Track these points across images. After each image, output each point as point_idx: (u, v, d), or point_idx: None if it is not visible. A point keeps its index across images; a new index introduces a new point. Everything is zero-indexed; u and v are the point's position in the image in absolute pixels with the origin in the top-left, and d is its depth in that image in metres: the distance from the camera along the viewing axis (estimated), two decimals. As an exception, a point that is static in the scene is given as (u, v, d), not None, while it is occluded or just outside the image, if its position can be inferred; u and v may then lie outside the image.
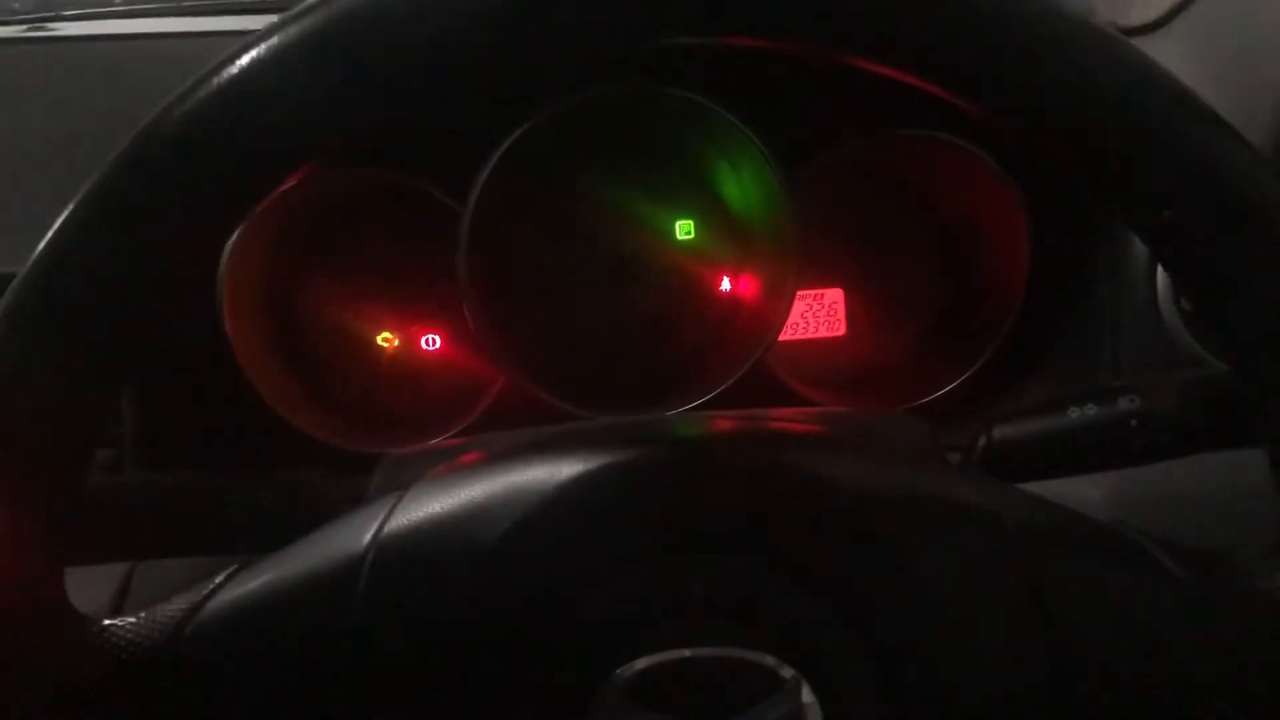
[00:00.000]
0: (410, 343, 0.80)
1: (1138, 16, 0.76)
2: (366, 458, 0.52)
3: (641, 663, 0.34)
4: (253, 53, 0.30)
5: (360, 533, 0.36)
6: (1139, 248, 0.69)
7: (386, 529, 0.36)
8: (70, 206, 0.30)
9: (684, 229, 0.81)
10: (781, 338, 0.81)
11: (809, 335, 0.83)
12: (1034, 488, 0.48)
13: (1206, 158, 0.31)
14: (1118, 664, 0.35)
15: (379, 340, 0.80)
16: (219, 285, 0.67)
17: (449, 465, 0.39)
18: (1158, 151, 0.31)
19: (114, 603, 0.55)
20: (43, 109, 0.73)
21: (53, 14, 0.86)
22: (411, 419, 0.80)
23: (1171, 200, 0.32)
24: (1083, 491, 0.61)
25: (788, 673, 0.34)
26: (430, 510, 0.36)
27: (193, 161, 0.30)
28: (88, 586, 0.54)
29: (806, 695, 0.34)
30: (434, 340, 0.80)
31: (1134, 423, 0.49)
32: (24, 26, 0.82)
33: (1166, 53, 0.72)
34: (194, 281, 0.33)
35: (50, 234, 0.30)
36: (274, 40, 0.30)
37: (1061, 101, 0.31)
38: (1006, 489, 0.39)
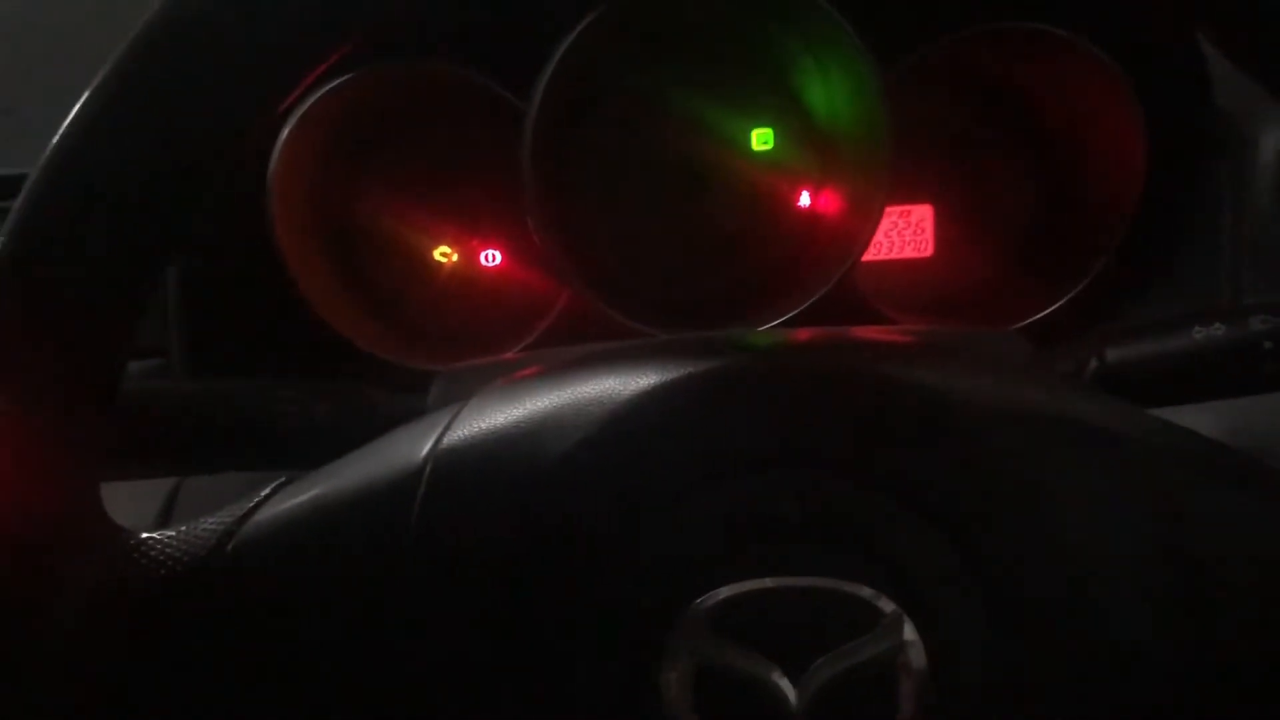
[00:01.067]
0: (470, 258, 0.77)
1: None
2: (423, 375, 0.50)
3: (724, 592, 0.30)
4: None
5: (417, 445, 0.33)
6: (1265, 158, 0.63)
7: (445, 441, 0.33)
8: (99, 76, 0.29)
9: (761, 138, 0.76)
10: (864, 258, 0.77)
11: (893, 255, 0.78)
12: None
13: None
14: (1265, 611, 0.31)
15: (436, 255, 0.76)
16: (268, 191, 0.64)
17: (512, 377, 0.36)
18: None
19: (158, 520, 0.53)
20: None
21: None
22: (470, 337, 0.77)
23: None
24: (1194, 421, 0.57)
25: (888, 606, 0.30)
26: (493, 421, 0.33)
27: (221, 31, 0.28)
28: (131, 503, 0.53)
29: (909, 632, 0.30)
30: (494, 256, 0.77)
31: (1268, 345, 0.44)
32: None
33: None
34: (237, 170, 0.31)
35: (80, 103, 0.29)
36: None
37: None
38: (1138, 412, 0.35)
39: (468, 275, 0.77)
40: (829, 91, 0.70)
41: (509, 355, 0.67)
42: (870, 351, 0.36)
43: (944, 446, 0.31)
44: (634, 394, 0.32)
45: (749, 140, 0.76)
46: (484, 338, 0.76)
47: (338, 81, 0.63)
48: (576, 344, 0.50)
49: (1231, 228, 0.66)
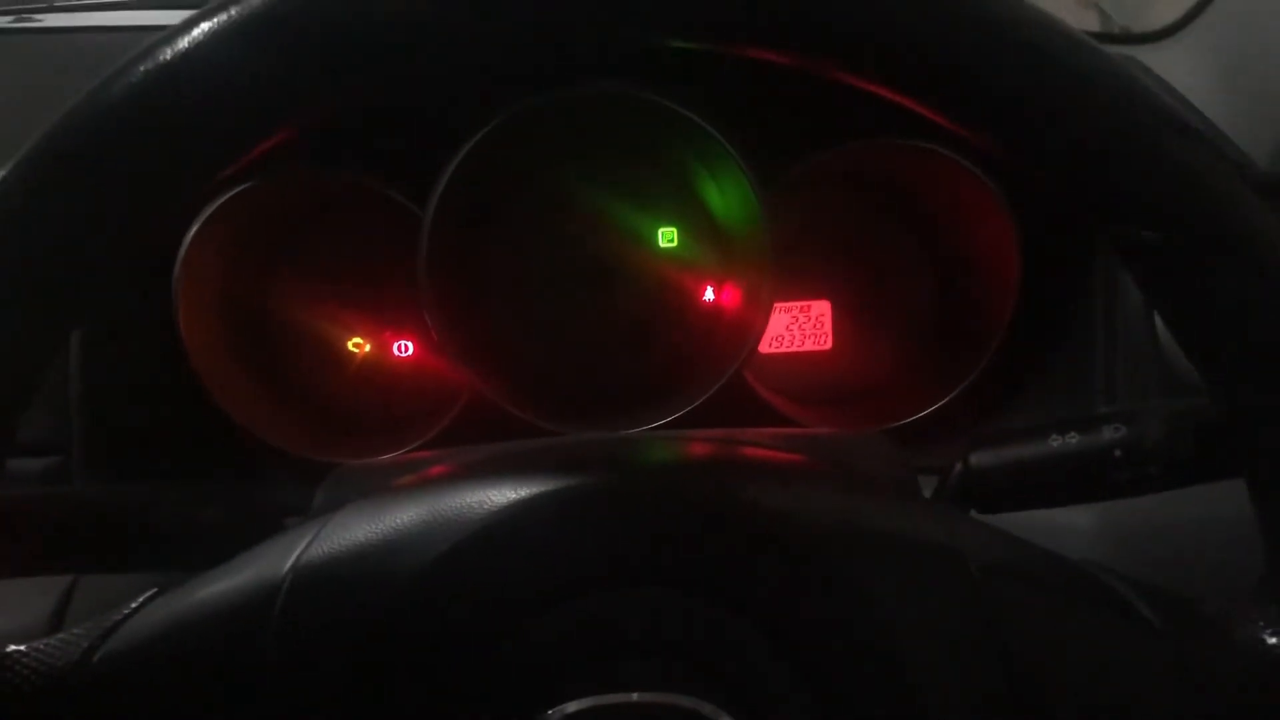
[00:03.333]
0: (382, 349, 0.78)
1: (1153, 21, 0.74)
2: (329, 466, 0.50)
3: (572, 706, 0.31)
4: (201, 26, 0.29)
5: (281, 558, 0.34)
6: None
7: (307, 555, 0.33)
8: (11, 162, 0.29)
9: (666, 236, 0.78)
10: (766, 350, 0.79)
11: (795, 348, 0.81)
12: (1020, 517, 0.46)
13: (1189, 176, 0.29)
14: (1083, 713, 0.33)
15: (349, 346, 0.77)
16: (174, 286, 0.64)
17: (384, 486, 0.37)
18: (1139, 167, 0.29)
19: (53, 616, 0.52)
20: (28, 100, 0.71)
21: (40, 5, 0.84)
22: (378, 427, 0.78)
23: (1151, 218, 0.30)
24: (1069, 518, 0.59)
25: None
26: (353, 536, 0.34)
27: (135, 126, 0.29)
28: (28, 601, 0.53)
29: None
30: (406, 347, 0.78)
31: (1118, 453, 0.45)
32: (10, 18, 0.81)
33: (1178, 59, 0.70)
34: (142, 264, 0.31)
35: None
36: (222, 15, 0.29)
37: (1043, 113, 0.29)
38: (973, 525, 0.36)
39: (380, 366, 0.78)
40: (722, 194, 0.73)
41: (403, 455, 0.68)
42: (723, 469, 0.38)
43: (781, 565, 0.32)
44: (489, 510, 0.33)
45: (655, 237, 0.78)
46: (391, 429, 0.76)
47: (241, 187, 0.65)
48: (481, 438, 0.50)
49: (1105, 328, 0.69)
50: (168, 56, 0.29)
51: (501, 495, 0.33)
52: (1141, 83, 0.29)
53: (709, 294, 0.79)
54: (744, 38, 0.30)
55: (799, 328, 0.81)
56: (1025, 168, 0.31)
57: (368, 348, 0.78)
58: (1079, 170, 0.30)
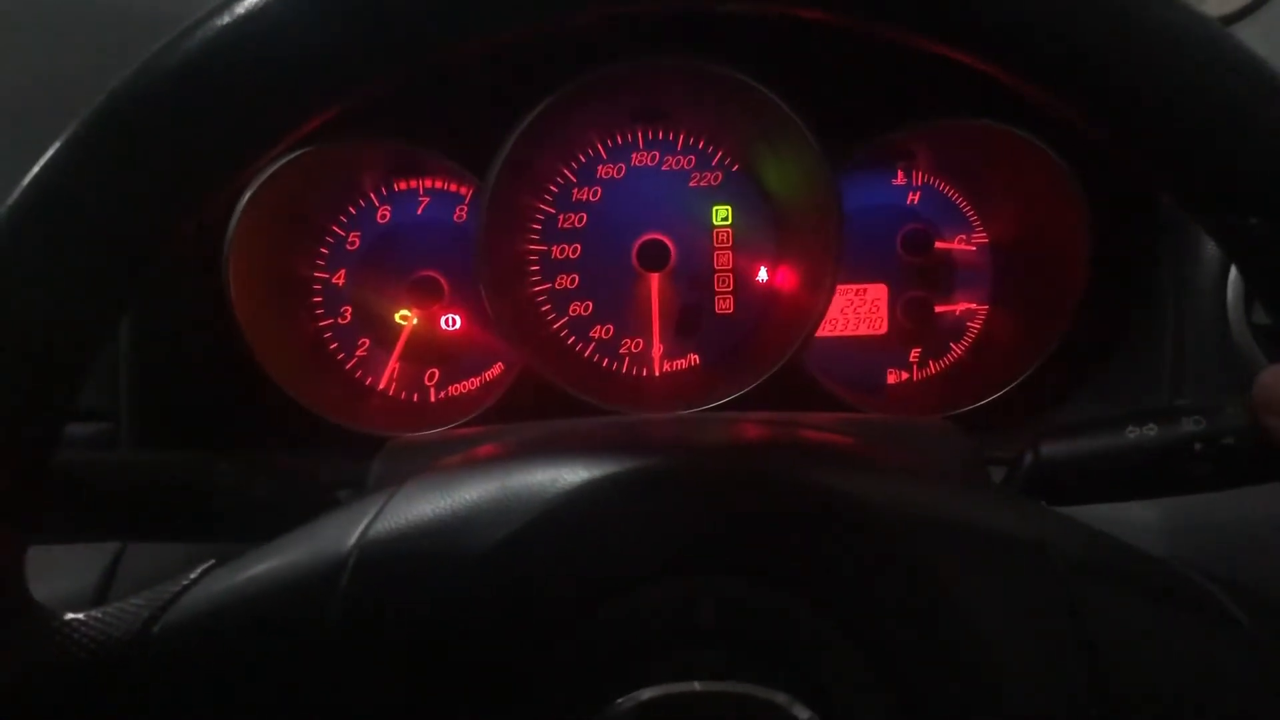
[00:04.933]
0: (430, 322, 0.77)
1: (1211, 10, 0.72)
2: (378, 440, 0.50)
3: (646, 694, 0.30)
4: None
5: (345, 532, 0.33)
6: (1208, 255, 0.65)
7: (372, 530, 0.33)
8: (59, 140, 0.29)
9: (720, 215, 0.77)
10: (821, 334, 0.78)
11: (850, 332, 0.79)
12: (1085, 510, 0.44)
13: None
14: (1169, 713, 0.31)
15: (397, 319, 0.77)
16: (225, 258, 0.64)
17: (446, 461, 0.36)
18: (1249, 152, 0.28)
19: (100, 584, 0.52)
20: (80, 67, 0.71)
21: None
22: (425, 403, 0.77)
23: (1260, 205, 0.29)
24: (1139, 514, 0.57)
25: (803, 713, 0.30)
26: (420, 511, 0.33)
27: (190, 95, 0.28)
28: (72, 566, 0.53)
29: None
30: (454, 320, 0.77)
31: (1198, 447, 0.44)
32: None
33: (1252, 43, 0.67)
34: (194, 237, 0.31)
35: (41, 161, 0.29)
36: None
37: (1148, 94, 0.28)
38: (1052, 516, 0.35)
39: (427, 339, 0.77)
40: (782, 172, 0.72)
41: (455, 430, 0.67)
42: (798, 453, 0.37)
43: (859, 553, 0.31)
44: (560, 490, 0.32)
45: (710, 215, 0.77)
46: (439, 404, 0.76)
47: (294, 155, 0.64)
48: (531, 415, 0.50)
49: (1174, 318, 0.67)
50: (225, 22, 0.28)
51: (574, 474, 0.32)
52: (1268, 67, 0.28)
53: (763, 274, 0.77)
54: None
55: (854, 311, 0.79)
56: (1130, 157, 0.30)
57: (415, 321, 0.77)
58: (1197, 160, 0.29)
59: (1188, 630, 0.33)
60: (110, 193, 0.29)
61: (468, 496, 0.33)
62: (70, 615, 0.33)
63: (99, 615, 0.33)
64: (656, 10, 0.30)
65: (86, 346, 0.31)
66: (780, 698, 0.30)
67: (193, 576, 0.34)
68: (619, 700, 0.30)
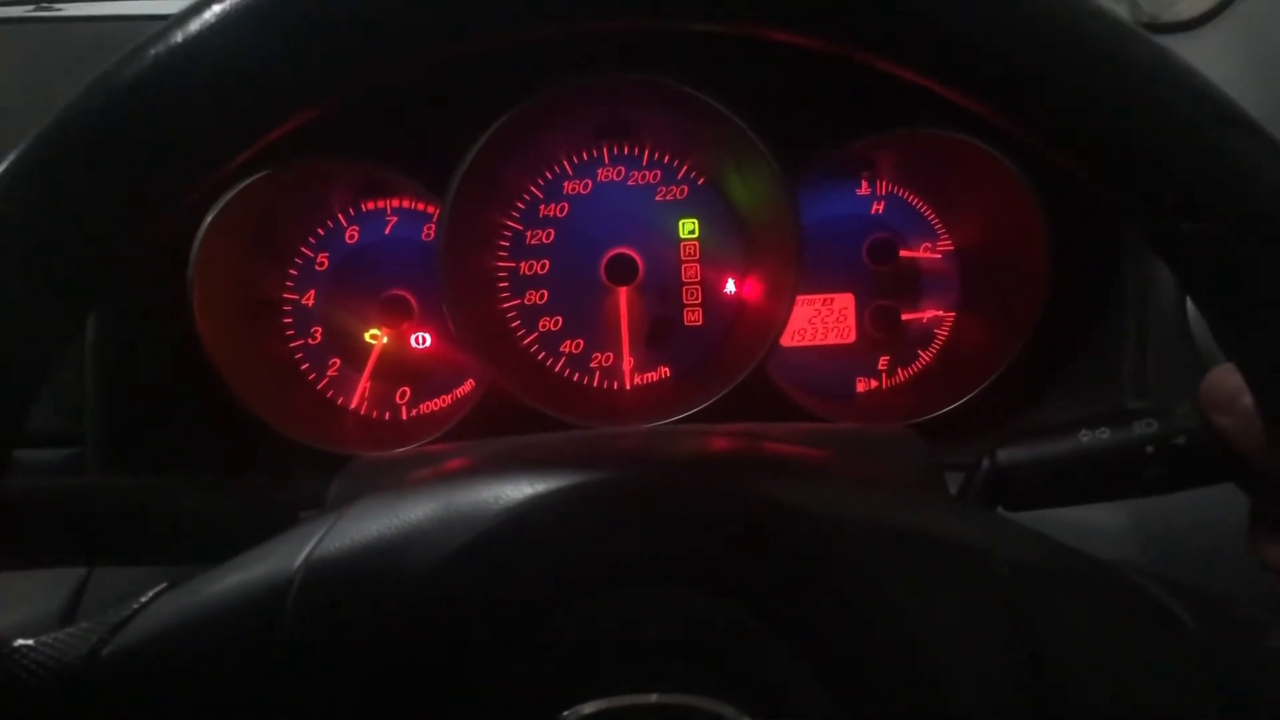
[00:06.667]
0: (400, 340, 0.77)
1: (1182, 11, 0.72)
2: (344, 459, 0.50)
3: (589, 707, 0.30)
4: (211, 9, 0.28)
5: (293, 552, 0.33)
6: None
7: (319, 549, 0.33)
8: (23, 142, 0.29)
9: (687, 227, 0.77)
10: (789, 343, 0.78)
11: (817, 342, 0.80)
12: (1044, 515, 0.45)
13: (1232, 164, 0.28)
14: (1113, 717, 0.32)
15: (367, 337, 0.77)
16: (190, 281, 0.64)
17: (398, 480, 0.36)
18: (1179, 155, 0.28)
19: (64, 613, 0.52)
20: (46, 89, 0.71)
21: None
22: (394, 422, 0.77)
23: (1192, 210, 0.29)
24: (1096, 518, 0.58)
25: None
26: (366, 530, 0.33)
27: (143, 108, 0.28)
28: (40, 596, 0.53)
29: None
30: (424, 339, 0.77)
31: (1150, 449, 0.44)
32: (30, 6, 0.80)
33: (1210, 48, 0.68)
34: (157, 256, 0.31)
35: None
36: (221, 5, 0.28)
37: (1091, 105, 0.28)
38: (1001, 522, 0.36)
39: (398, 358, 0.78)
40: (745, 186, 0.72)
41: (421, 448, 0.67)
42: (745, 464, 0.37)
43: (802, 563, 0.32)
44: (505, 506, 0.32)
45: (676, 228, 0.77)
46: (409, 422, 0.76)
47: (255, 177, 0.64)
48: (498, 431, 0.50)
49: (1135, 322, 0.68)
50: (177, 39, 0.28)
51: (518, 490, 0.33)
52: (1193, 72, 0.28)
53: (730, 286, 0.78)
54: (776, 21, 0.29)
55: (822, 321, 0.79)
56: (1064, 161, 0.30)
57: (385, 339, 0.77)
58: (1126, 162, 0.29)
59: (1133, 634, 0.33)
60: (60, 200, 0.29)
61: (414, 514, 0.33)
62: (20, 641, 0.33)
63: (49, 641, 0.33)
64: (607, 30, 0.30)
65: (36, 365, 0.31)
66: (727, 709, 0.30)
67: (143, 600, 0.34)
68: (564, 714, 0.30)
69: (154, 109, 0.28)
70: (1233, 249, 0.29)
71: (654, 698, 0.31)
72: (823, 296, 0.79)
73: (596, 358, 0.78)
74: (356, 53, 0.29)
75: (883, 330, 0.79)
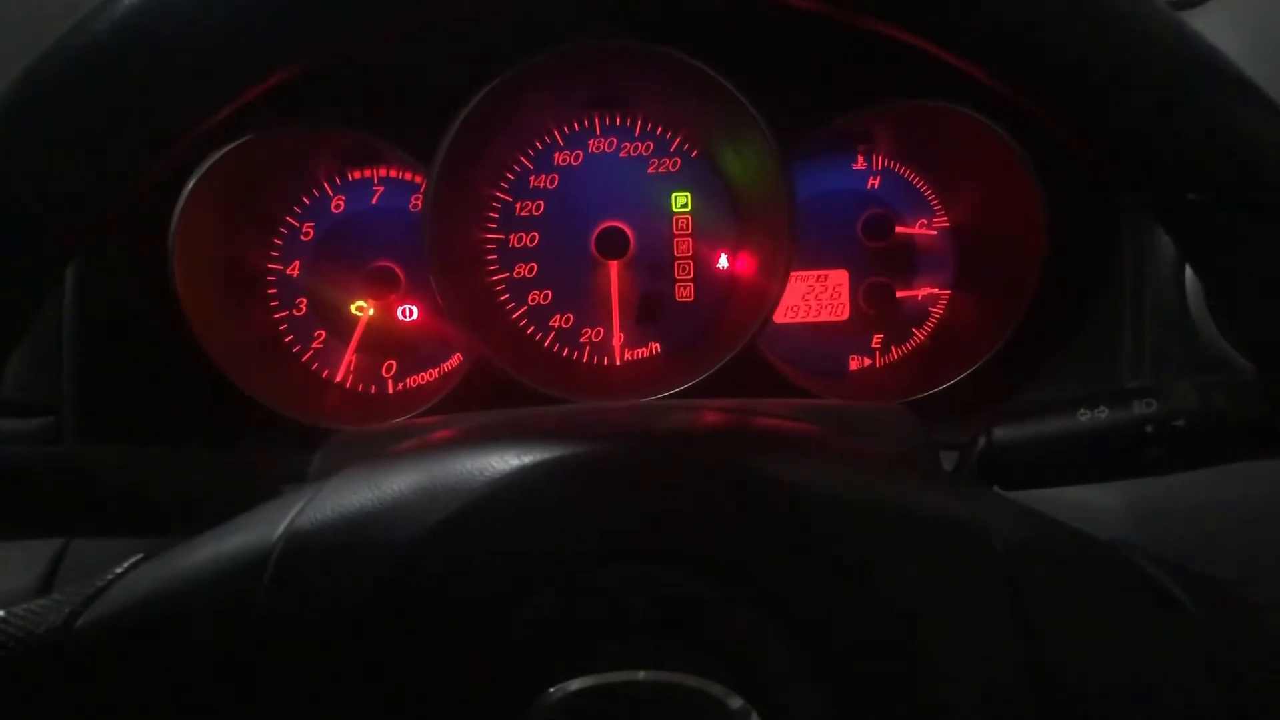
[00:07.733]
0: (387, 312, 0.76)
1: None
2: (326, 432, 0.49)
3: (575, 684, 0.30)
4: None
5: (272, 524, 0.32)
6: (1165, 242, 0.65)
7: (299, 520, 0.32)
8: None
9: (679, 201, 0.76)
10: (782, 320, 0.77)
11: (811, 318, 0.79)
12: (1044, 495, 0.44)
13: (1240, 135, 0.28)
14: (1110, 697, 0.31)
15: (353, 309, 0.76)
16: (171, 250, 0.63)
17: (380, 452, 0.35)
18: (1185, 125, 0.28)
19: (41, 584, 0.51)
20: (19, 50, 0.70)
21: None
22: (380, 395, 0.76)
23: (1197, 180, 0.28)
24: (1094, 497, 0.57)
25: (736, 703, 0.30)
26: (346, 502, 0.32)
27: (115, 57, 0.28)
28: (18, 566, 0.52)
29: None
30: (411, 311, 0.76)
31: (1149, 429, 0.44)
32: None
33: (1216, 25, 0.67)
34: (138, 225, 0.30)
35: None
36: None
37: (1085, 72, 0.28)
38: (995, 500, 0.35)
39: (384, 330, 0.76)
40: (739, 159, 0.71)
41: (407, 421, 0.66)
42: (735, 439, 0.36)
43: (791, 540, 0.31)
44: (489, 479, 0.31)
45: (669, 202, 0.76)
46: (395, 395, 0.75)
47: (236, 143, 0.63)
48: (486, 405, 0.49)
49: (1132, 300, 0.67)
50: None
51: (503, 462, 0.32)
52: (1205, 41, 0.28)
53: (723, 261, 0.77)
54: None
55: (816, 297, 0.79)
56: (1068, 128, 0.29)
57: (371, 312, 0.76)
58: (1134, 128, 0.28)
59: (1129, 613, 0.32)
60: (32, 149, 0.28)
61: (396, 486, 0.32)
62: None
63: (22, 611, 0.33)
64: None
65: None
66: (714, 687, 0.30)
67: (119, 570, 0.34)
68: (550, 690, 0.30)
69: (126, 62, 0.27)
70: (1237, 219, 0.28)
71: (641, 675, 0.30)
72: (816, 273, 0.78)
73: (586, 332, 0.77)
74: (332, 7, 0.28)
75: (877, 307, 0.78)
